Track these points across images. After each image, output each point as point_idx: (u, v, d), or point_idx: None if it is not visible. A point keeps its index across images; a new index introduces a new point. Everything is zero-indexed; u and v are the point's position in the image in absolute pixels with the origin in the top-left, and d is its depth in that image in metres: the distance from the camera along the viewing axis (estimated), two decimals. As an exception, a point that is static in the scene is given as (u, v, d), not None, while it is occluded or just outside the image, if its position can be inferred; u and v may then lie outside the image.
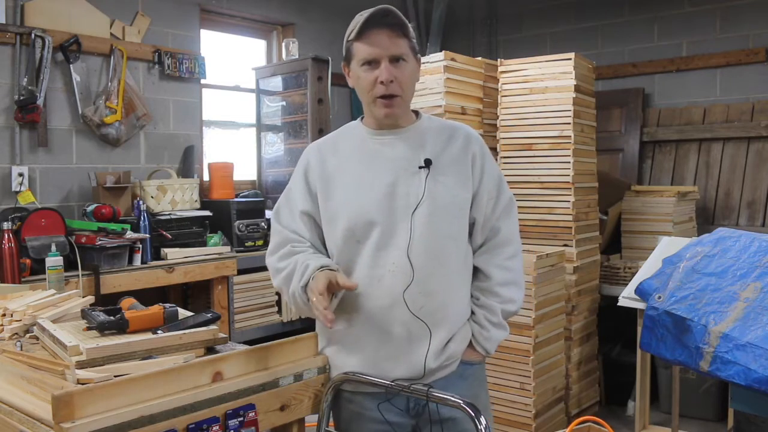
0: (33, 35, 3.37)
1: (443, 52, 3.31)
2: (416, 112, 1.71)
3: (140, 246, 3.28)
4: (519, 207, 1.88)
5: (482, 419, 1.32)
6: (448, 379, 1.59)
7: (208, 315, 1.75)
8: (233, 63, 4.67)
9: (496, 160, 3.49)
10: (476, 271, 1.67)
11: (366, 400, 1.59)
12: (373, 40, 1.55)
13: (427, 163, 1.59)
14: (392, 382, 1.50)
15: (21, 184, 3.37)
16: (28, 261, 2.94)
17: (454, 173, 1.61)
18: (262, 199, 4.15)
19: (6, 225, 2.91)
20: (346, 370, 1.58)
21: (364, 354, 1.58)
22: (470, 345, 1.63)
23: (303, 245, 1.64)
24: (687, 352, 2.10)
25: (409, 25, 1.61)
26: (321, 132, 4.25)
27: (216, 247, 3.67)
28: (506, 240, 1.67)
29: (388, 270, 1.55)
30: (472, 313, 1.65)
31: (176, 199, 3.67)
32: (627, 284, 2.73)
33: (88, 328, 1.68)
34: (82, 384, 1.36)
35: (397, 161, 1.61)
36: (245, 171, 4.64)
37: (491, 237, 1.66)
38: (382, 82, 1.55)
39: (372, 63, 1.56)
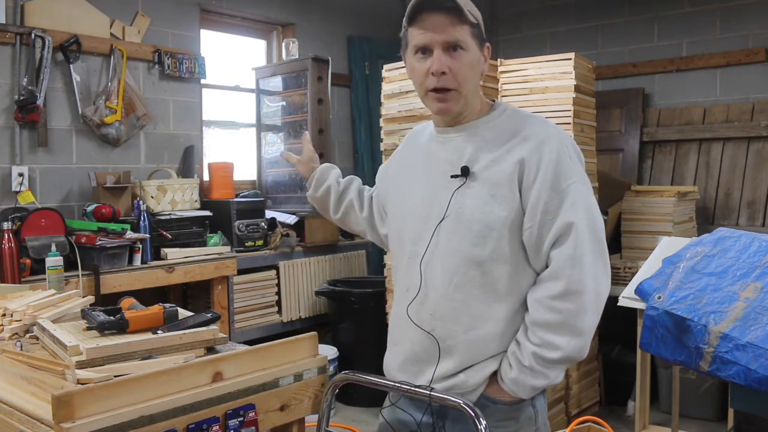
0: (33, 35, 3.37)
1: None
2: (493, 103, 1.52)
3: (140, 246, 3.28)
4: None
5: (482, 420, 1.31)
6: (461, 410, 1.40)
7: (208, 315, 1.75)
8: (233, 63, 4.67)
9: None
10: None
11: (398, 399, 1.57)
12: (426, 25, 1.40)
13: (464, 171, 1.42)
14: (395, 383, 1.50)
15: (21, 184, 3.37)
16: (28, 261, 2.94)
17: (492, 185, 1.39)
18: (262, 199, 4.16)
19: (6, 225, 2.91)
20: (386, 368, 1.58)
21: (389, 358, 1.58)
22: (496, 379, 1.43)
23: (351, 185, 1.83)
24: (687, 352, 2.10)
25: (469, 8, 1.41)
26: (321, 132, 4.25)
27: (216, 247, 3.68)
28: (554, 273, 1.36)
29: (412, 282, 1.48)
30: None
31: (176, 199, 3.67)
32: (627, 284, 2.72)
33: (88, 328, 1.68)
34: (82, 384, 1.35)
35: (441, 164, 1.47)
36: (245, 171, 4.64)
37: (546, 267, 1.40)
38: (433, 73, 1.40)
39: (425, 51, 1.41)
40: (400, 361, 1.52)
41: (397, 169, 1.66)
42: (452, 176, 1.43)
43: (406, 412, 1.53)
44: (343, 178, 1.86)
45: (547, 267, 1.39)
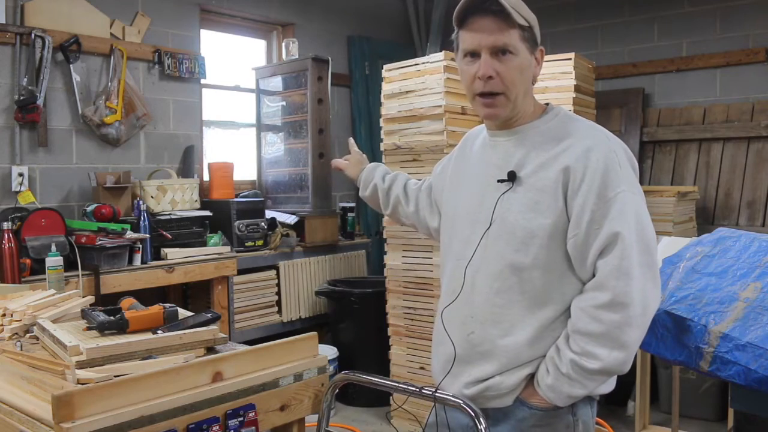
0: (33, 35, 3.37)
1: (443, 52, 3.30)
2: (546, 107, 1.49)
3: (140, 246, 3.28)
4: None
5: (482, 420, 1.31)
6: (493, 414, 1.42)
7: (208, 315, 1.75)
8: (233, 63, 4.67)
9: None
10: None
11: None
12: (474, 28, 1.38)
13: (511, 176, 1.41)
14: (396, 383, 1.50)
15: (21, 184, 3.37)
16: (28, 261, 2.94)
17: (537, 191, 1.38)
18: (262, 199, 4.16)
19: (6, 225, 2.91)
20: (432, 371, 1.58)
21: (434, 360, 1.58)
22: (532, 383, 1.42)
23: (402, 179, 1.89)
24: (687, 352, 2.10)
25: (520, 10, 1.38)
26: (321, 132, 4.25)
27: (216, 247, 3.67)
28: (600, 284, 1.34)
29: (457, 284, 1.48)
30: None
31: (176, 199, 3.67)
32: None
33: (88, 328, 1.68)
34: (82, 384, 1.35)
35: (491, 168, 1.47)
36: (245, 171, 4.64)
37: (592, 276, 1.37)
38: (479, 78, 1.39)
39: (474, 55, 1.40)
40: (443, 362, 1.52)
41: (453, 171, 1.66)
42: (499, 181, 1.43)
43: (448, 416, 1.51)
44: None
45: (593, 276, 1.37)
